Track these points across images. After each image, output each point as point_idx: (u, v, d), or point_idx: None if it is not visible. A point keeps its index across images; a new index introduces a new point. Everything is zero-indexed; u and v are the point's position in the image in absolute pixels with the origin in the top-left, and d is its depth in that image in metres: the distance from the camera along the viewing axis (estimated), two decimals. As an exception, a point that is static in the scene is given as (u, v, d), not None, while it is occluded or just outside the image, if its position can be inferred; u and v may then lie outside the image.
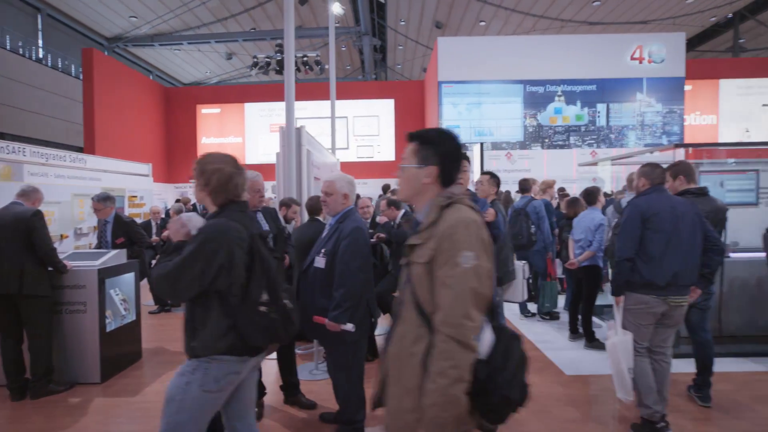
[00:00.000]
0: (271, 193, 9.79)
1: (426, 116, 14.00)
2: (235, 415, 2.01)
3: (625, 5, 15.65)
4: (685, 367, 3.68)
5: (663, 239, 2.77)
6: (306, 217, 4.04)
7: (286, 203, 4.80)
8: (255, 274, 1.80)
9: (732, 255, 4.61)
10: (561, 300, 5.90)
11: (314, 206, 4.09)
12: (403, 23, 17.71)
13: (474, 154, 6.75)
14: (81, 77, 12.14)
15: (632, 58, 11.35)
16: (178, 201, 8.80)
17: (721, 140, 12.77)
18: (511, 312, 5.78)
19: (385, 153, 14.38)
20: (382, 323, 5.51)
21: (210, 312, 1.77)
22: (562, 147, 11.25)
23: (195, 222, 1.92)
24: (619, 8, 15.91)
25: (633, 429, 2.97)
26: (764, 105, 12.89)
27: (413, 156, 1.48)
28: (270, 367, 3.75)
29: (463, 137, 11.21)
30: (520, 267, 3.41)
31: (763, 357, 4.18)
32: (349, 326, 2.60)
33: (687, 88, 11.91)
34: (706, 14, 17.13)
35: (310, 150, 5.39)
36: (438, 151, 1.46)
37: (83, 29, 15.15)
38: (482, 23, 17.28)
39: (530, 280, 6.03)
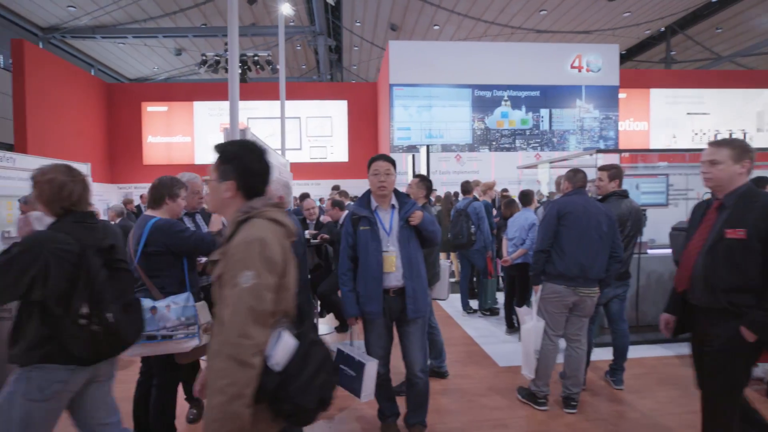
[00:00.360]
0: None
1: (378, 118, 14.17)
2: (87, 426, 2.01)
3: (569, 16, 16.50)
4: (605, 355, 3.98)
5: (574, 236, 3.05)
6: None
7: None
8: (78, 287, 1.79)
9: (649, 251, 5.05)
10: (501, 296, 6.19)
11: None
12: (358, 24, 17.80)
13: (421, 156, 6.95)
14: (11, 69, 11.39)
15: (572, 67, 12.04)
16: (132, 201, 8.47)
17: (652, 146, 13.76)
18: (454, 309, 6.03)
19: (338, 154, 14.44)
20: (326, 323, 5.59)
21: (30, 320, 1.78)
22: (508, 150, 11.76)
23: (45, 222, 1.92)
24: (564, 18, 16.75)
25: (518, 391, 3.45)
26: (689, 114, 14.02)
27: (214, 170, 1.47)
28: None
29: (414, 139, 11.47)
30: (446, 267, 3.60)
31: (672, 343, 4.58)
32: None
33: (621, 96, 12.76)
34: (642, 27, 18.33)
35: (255, 151, 5.38)
36: (236, 166, 1.44)
37: (14, 17, 14.18)
38: (436, 27, 17.65)
39: (474, 279, 6.30)
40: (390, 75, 11.49)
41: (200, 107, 14.03)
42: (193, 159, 14.01)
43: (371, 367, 2.56)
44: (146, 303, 2.59)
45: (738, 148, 2.12)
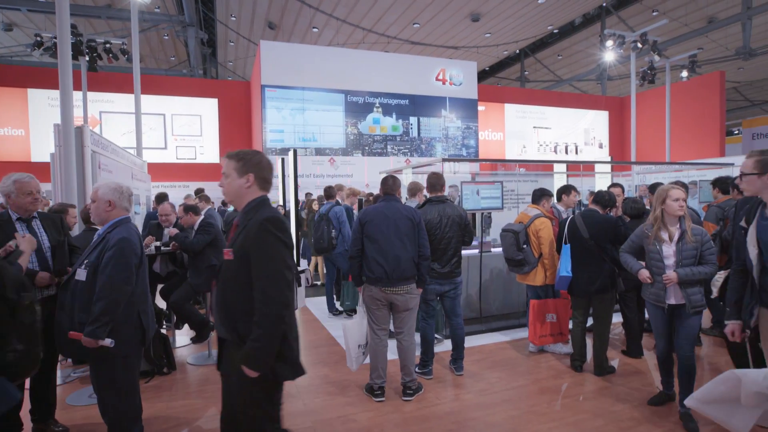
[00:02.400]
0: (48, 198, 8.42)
1: (252, 119, 13.70)
2: None
3: (439, 31, 17.81)
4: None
5: (375, 242, 3.34)
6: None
7: (59, 210, 4.25)
8: None
9: (492, 250, 5.71)
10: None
11: (89, 214, 3.72)
12: (234, 19, 17.01)
13: (289, 159, 6.90)
14: None
15: (437, 79, 13.04)
16: None
17: (507, 154, 15.54)
18: (320, 311, 6.11)
19: (209, 155, 13.58)
20: (182, 334, 5.26)
21: None
22: (380, 154, 12.28)
23: None
24: (435, 32, 18.03)
25: (365, 388, 3.65)
26: (535, 127, 16.14)
27: None
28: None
29: (288, 141, 11.35)
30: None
31: (510, 329, 5.24)
32: (108, 341, 2.47)
33: (481, 108, 14.18)
34: (500, 48, 20.58)
35: (96, 151, 4.84)
36: None
37: None
38: (315, 30, 17.67)
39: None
40: (262, 76, 11.19)
41: (37, 95, 12.03)
42: (29, 155, 12.00)
43: None
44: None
45: (241, 160, 1.94)
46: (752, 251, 2.32)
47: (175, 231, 4.38)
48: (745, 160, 2.30)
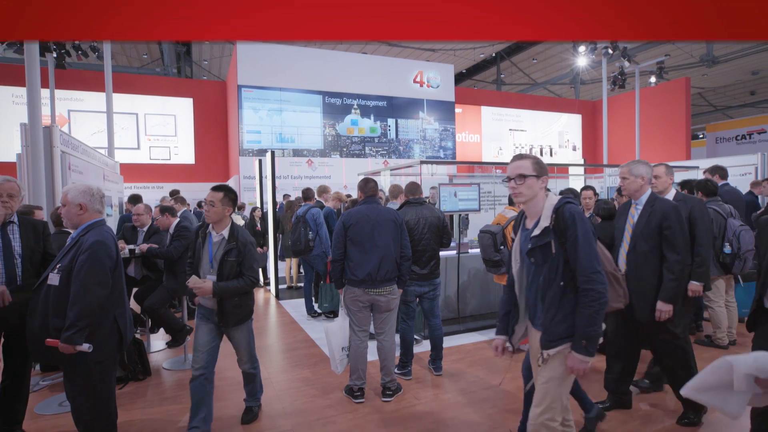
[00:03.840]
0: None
1: (228, 119, 13.49)
2: None
3: (416, 33, 17.91)
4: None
5: (359, 245, 3.36)
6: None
7: (24, 212, 4.10)
8: None
9: (470, 251, 5.79)
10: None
11: (59, 217, 3.62)
12: (208, 17, 16.73)
13: (266, 161, 6.85)
14: None
15: (414, 81, 13.13)
16: None
17: (484, 157, 15.76)
18: (298, 313, 6.08)
19: (184, 155, 13.28)
20: (158, 338, 5.15)
21: None
22: (358, 156, 12.28)
23: None
24: (412, 35, 18.11)
25: (344, 389, 3.67)
26: (510, 129, 16.43)
27: None
28: None
29: (265, 143, 11.23)
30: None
31: (487, 329, 5.32)
32: (86, 346, 2.43)
33: (458, 111, 14.34)
34: (477, 51, 20.86)
35: (66, 151, 4.69)
36: None
37: None
38: (292, 29, 17.54)
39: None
40: (238, 76, 11.04)
41: (0, 93, 11.56)
42: (-7, 155, 11.50)
43: None
44: None
45: None
46: (515, 266, 2.11)
47: (146, 247, 4.27)
48: (519, 162, 2.00)
